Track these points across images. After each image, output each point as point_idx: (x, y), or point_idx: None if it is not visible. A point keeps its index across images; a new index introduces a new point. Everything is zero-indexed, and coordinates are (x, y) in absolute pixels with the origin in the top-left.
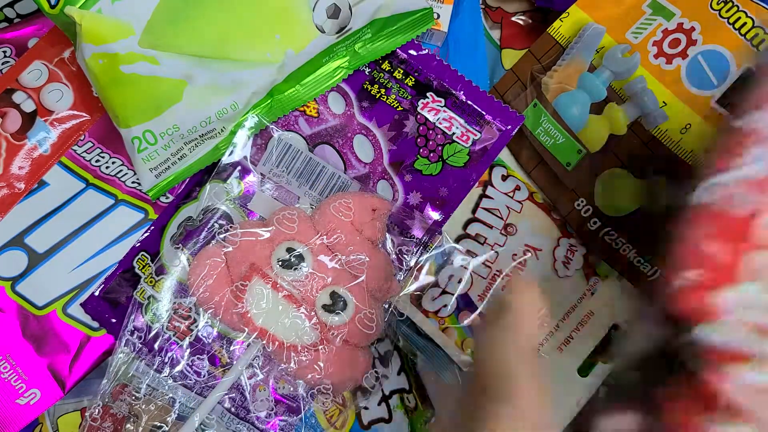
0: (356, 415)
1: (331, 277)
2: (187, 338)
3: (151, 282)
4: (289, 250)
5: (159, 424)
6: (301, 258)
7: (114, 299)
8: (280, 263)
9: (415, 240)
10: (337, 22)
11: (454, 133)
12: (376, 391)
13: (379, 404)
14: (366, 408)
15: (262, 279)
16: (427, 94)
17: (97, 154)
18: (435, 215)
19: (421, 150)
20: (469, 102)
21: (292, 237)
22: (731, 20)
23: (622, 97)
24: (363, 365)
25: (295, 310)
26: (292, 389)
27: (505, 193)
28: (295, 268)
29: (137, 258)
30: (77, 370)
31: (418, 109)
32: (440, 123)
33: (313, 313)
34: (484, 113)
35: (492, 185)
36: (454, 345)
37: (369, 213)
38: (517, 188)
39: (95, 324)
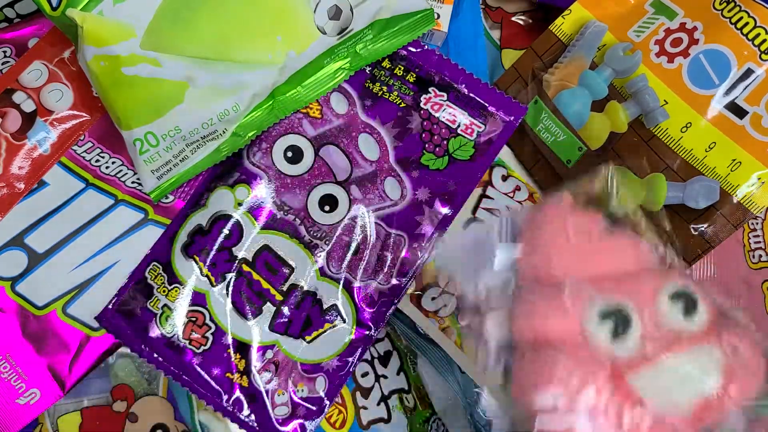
0: (355, 415)
1: None
2: (203, 347)
3: (164, 292)
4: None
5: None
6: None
7: (128, 311)
8: None
9: None
10: (339, 23)
11: (458, 127)
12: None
13: (378, 404)
14: (365, 408)
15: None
16: (429, 89)
17: (97, 154)
18: (444, 210)
19: (426, 145)
20: (471, 95)
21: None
22: (733, 20)
23: (623, 95)
24: None
25: None
26: (309, 392)
27: (505, 194)
28: None
29: (149, 268)
30: (77, 370)
31: (421, 104)
32: (444, 117)
33: None
34: (487, 105)
35: (492, 185)
36: (454, 345)
37: None
38: (517, 188)
39: (95, 324)
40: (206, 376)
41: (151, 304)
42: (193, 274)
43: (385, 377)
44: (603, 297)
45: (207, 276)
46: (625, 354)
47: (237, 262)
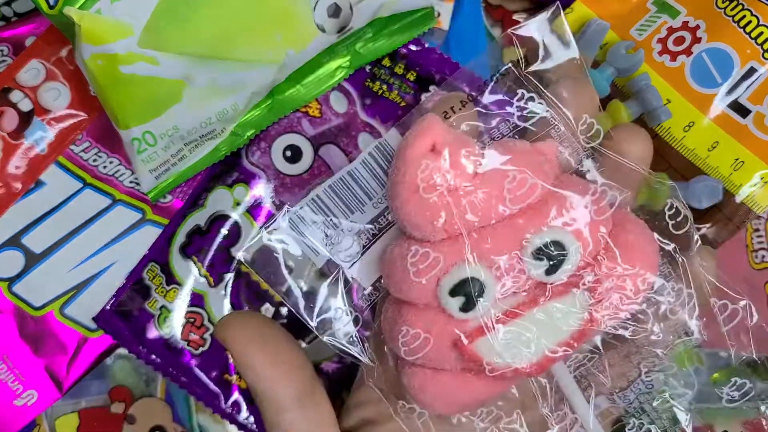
0: None
1: None
2: (201, 348)
3: (162, 292)
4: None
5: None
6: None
7: (126, 312)
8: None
9: None
10: (338, 21)
11: None
12: None
13: None
14: None
15: None
16: (430, 88)
17: (95, 154)
18: None
19: None
20: (472, 93)
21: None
22: (736, 18)
23: (625, 93)
24: None
25: None
26: None
27: None
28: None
29: (147, 269)
30: (75, 371)
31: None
32: None
33: None
34: None
35: None
36: None
37: None
38: None
39: (93, 325)
40: (204, 378)
41: (149, 305)
42: (191, 274)
43: None
44: (453, 268)
45: (205, 276)
46: (475, 321)
47: (235, 262)
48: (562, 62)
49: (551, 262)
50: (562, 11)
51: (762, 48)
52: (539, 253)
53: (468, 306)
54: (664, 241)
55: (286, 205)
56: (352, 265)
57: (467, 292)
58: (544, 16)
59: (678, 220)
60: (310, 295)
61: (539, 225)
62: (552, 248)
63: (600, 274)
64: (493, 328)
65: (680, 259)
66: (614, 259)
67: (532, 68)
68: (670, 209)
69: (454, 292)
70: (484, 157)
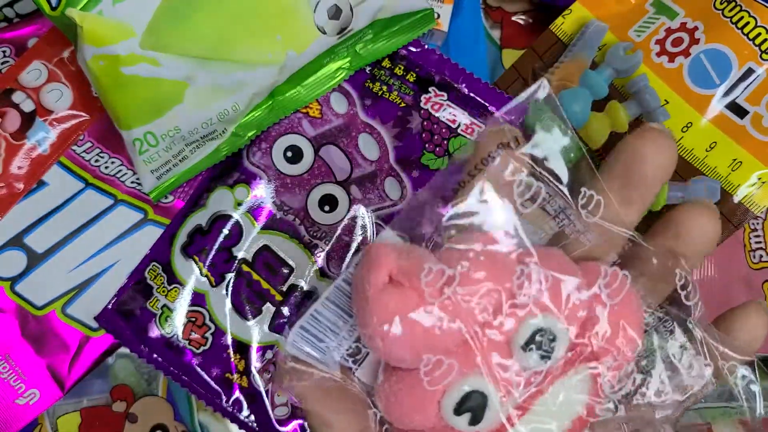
0: None
1: None
2: (202, 347)
3: (163, 292)
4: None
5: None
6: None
7: (128, 311)
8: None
9: None
10: (338, 23)
11: (458, 127)
12: None
13: None
14: None
15: None
16: (429, 89)
17: (97, 154)
18: (445, 211)
19: (426, 145)
20: (471, 95)
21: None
22: (734, 20)
23: (623, 94)
24: None
25: None
26: None
27: None
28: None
29: (148, 269)
30: (77, 371)
31: (421, 104)
32: (444, 117)
33: None
34: (488, 105)
35: None
36: None
37: None
38: None
39: (94, 324)
40: (206, 377)
41: (151, 304)
42: (192, 274)
43: None
44: (453, 385)
45: (206, 276)
46: (489, 427)
47: (237, 262)
48: (557, 146)
49: (543, 351)
50: (548, 85)
51: (760, 49)
52: (528, 346)
53: (476, 420)
54: (674, 310)
55: (283, 334)
56: (359, 367)
57: (471, 407)
58: (531, 94)
59: (688, 290)
60: None
61: (519, 319)
62: (539, 337)
63: (595, 339)
64: (509, 428)
65: (697, 332)
66: (603, 322)
67: (524, 150)
68: (680, 279)
69: (458, 411)
70: (445, 273)
